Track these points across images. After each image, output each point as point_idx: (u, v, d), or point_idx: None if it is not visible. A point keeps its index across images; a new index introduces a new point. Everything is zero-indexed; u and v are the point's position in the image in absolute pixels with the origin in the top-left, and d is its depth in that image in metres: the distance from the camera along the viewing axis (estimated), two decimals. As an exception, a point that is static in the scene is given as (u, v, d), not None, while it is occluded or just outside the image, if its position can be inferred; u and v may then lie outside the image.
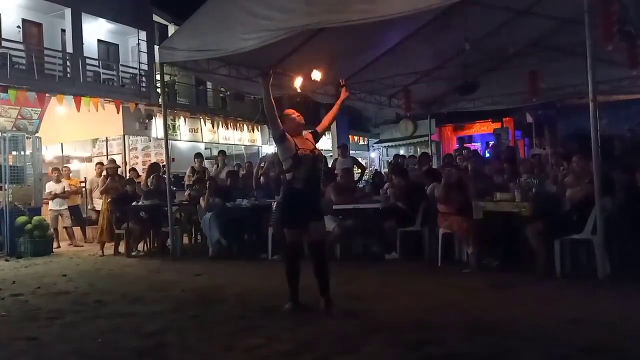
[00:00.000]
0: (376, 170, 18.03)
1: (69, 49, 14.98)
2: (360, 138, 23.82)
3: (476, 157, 10.95)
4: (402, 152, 19.27)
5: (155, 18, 17.94)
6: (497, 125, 18.57)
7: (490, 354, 3.38)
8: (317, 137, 4.85)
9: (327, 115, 5.11)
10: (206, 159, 12.99)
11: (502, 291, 5.21)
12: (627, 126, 12.06)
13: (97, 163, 12.13)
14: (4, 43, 13.35)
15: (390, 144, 21.74)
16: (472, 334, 3.80)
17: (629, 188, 6.00)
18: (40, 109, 12.40)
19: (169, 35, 13.28)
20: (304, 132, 4.78)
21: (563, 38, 9.36)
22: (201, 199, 8.68)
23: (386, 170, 14.66)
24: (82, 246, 10.92)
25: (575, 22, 7.01)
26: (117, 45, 17.79)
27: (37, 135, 11.71)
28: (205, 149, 17.17)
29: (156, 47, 13.65)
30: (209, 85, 18.73)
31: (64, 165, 13.49)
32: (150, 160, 14.58)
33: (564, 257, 5.71)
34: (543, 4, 8.73)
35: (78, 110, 12.90)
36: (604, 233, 5.29)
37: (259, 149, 19.36)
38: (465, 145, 15.04)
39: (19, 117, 12.05)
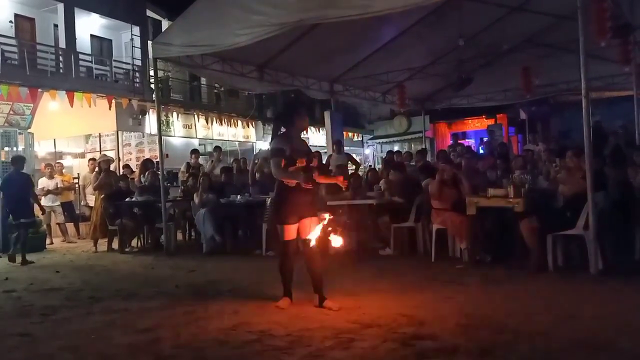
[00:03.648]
0: (370, 166, 18.05)
1: (62, 44, 14.87)
2: (355, 134, 23.84)
3: (470, 154, 10.98)
4: (396, 148, 19.28)
5: (149, 13, 17.85)
6: (491, 121, 18.62)
7: (484, 349, 3.39)
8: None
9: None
10: (200, 155, 12.96)
11: (495, 286, 5.23)
12: (620, 122, 12.14)
13: (90, 159, 12.08)
14: (-4, 38, 13.25)
15: (384, 140, 21.77)
16: (466, 329, 3.82)
17: (621, 184, 6.04)
18: (32, 105, 12.30)
19: (163, 31, 13.24)
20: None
21: (556, 35, 9.41)
22: (195, 195, 8.67)
23: (380, 166, 14.70)
24: (76, 242, 10.87)
25: (568, 18, 7.04)
26: (111, 40, 17.69)
27: (29, 131, 11.64)
28: (199, 145, 17.14)
29: (150, 43, 13.58)
30: (203, 81, 18.68)
31: (57, 161, 13.44)
32: (143, 156, 14.53)
33: (557, 252, 5.74)
34: (537, 0, 8.77)
35: (71, 106, 12.83)
36: (596, 228, 5.32)
37: (253, 145, 19.33)
38: (458, 141, 15.10)
39: (11, 112, 11.95)
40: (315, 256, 4.58)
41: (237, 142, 18.90)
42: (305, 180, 4.35)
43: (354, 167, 11.54)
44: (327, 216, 4.52)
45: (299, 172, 4.39)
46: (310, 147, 5.37)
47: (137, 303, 5.18)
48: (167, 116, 15.63)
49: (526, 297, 4.78)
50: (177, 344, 3.77)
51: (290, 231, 4.57)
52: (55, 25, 15.47)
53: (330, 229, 4.56)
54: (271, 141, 4.76)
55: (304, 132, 4.78)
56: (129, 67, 16.19)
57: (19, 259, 8.23)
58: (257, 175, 9.58)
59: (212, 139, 17.49)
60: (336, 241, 4.67)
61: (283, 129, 4.67)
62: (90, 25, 16.54)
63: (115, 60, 16.46)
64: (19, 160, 8.86)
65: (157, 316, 4.60)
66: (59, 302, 5.36)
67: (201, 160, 12.37)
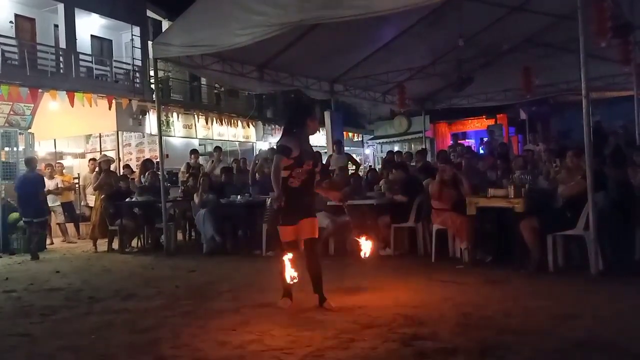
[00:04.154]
0: (370, 166, 18.04)
1: (62, 44, 14.89)
2: (355, 134, 23.84)
3: (470, 154, 10.98)
4: (396, 148, 19.29)
5: (149, 13, 17.86)
6: (491, 121, 18.60)
7: (484, 349, 3.39)
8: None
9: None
10: (200, 155, 12.97)
11: (496, 286, 5.23)
12: (620, 122, 12.14)
13: (91, 159, 12.08)
14: (-4, 38, 13.26)
15: (384, 140, 21.75)
16: (466, 329, 3.82)
17: (621, 184, 6.03)
18: (32, 105, 12.32)
19: (163, 31, 13.24)
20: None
21: (556, 35, 9.40)
22: (195, 195, 8.67)
23: (380, 166, 14.70)
24: (76, 243, 10.87)
25: (568, 18, 7.03)
26: (111, 40, 17.70)
27: (29, 131, 11.65)
28: (199, 145, 17.15)
29: (150, 43, 13.59)
30: (203, 81, 18.68)
31: (57, 161, 13.43)
32: (143, 157, 14.53)
33: (557, 252, 5.74)
34: (537, 0, 8.77)
35: (72, 106, 12.83)
36: (597, 229, 5.31)
37: (253, 145, 19.34)
38: (458, 141, 15.10)
39: (11, 112, 11.97)
40: (314, 256, 4.58)
41: (237, 142, 18.90)
42: (277, 200, 4.39)
43: (354, 167, 11.54)
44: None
45: (280, 187, 4.40)
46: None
47: (136, 303, 5.18)
48: (167, 116, 15.62)
49: (526, 297, 4.77)
50: (177, 344, 3.77)
51: (290, 232, 4.57)
52: (56, 26, 15.47)
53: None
54: (281, 137, 4.75)
55: (313, 134, 4.82)
56: (129, 67, 16.21)
57: (41, 254, 8.82)
58: (257, 175, 9.59)
59: (212, 139, 17.50)
60: (366, 246, 4.80)
61: (295, 129, 4.65)
62: (90, 25, 16.55)
63: (115, 61, 16.48)
64: (31, 162, 9.38)
65: (157, 316, 4.60)
66: (59, 302, 5.36)
67: (201, 160, 12.37)
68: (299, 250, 4.72)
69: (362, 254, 4.91)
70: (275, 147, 4.95)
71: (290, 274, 4.45)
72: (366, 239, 4.90)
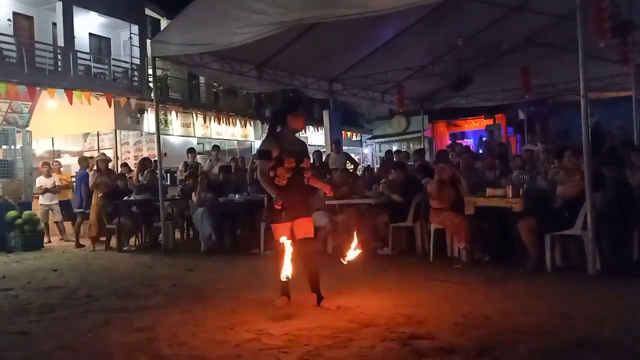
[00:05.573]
0: (368, 165, 18.05)
1: (60, 42, 14.90)
2: (354, 134, 23.86)
3: (468, 153, 10.97)
4: (395, 148, 19.29)
5: (148, 12, 17.87)
6: (490, 121, 18.63)
7: (482, 349, 3.38)
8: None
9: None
10: (198, 154, 12.97)
11: (494, 286, 5.23)
12: (618, 123, 12.15)
13: (89, 157, 12.05)
14: (-6, 36, 13.26)
15: (383, 139, 21.79)
16: (464, 328, 3.81)
17: (620, 184, 6.04)
18: (30, 103, 12.30)
19: (162, 29, 13.23)
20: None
21: (556, 35, 9.41)
22: (193, 193, 8.66)
23: (378, 166, 14.70)
24: (73, 241, 10.83)
25: (568, 18, 7.04)
26: (109, 39, 17.70)
27: (27, 129, 11.62)
28: (198, 144, 17.14)
29: (148, 41, 13.57)
30: (202, 79, 18.68)
31: (55, 159, 13.41)
32: (142, 155, 14.51)
33: (555, 252, 5.74)
34: (536, 0, 8.77)
35: (71, 104, 12.82)
36: (595, 229, 5.32)
37: (251, 144, 19.33)
38: (457, 141, 15.09)
39: (9, 110, 11.95)
40: (311, 255, 4.57)
41: (235, 141, 18.90)
42: (275, 200, 4.36)
43: (352, 166, 11.55)
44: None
45: (274, 188, 4.39)
46: (309, 146, 5.33)
47: (134, 302, 5.16)
48: (165, 115, 15.60)
49: (524, 297, 4.77)
50: (175, 343, 3.76)
51: (283, 230, 4.54)
52: (54, 24, 15.47)
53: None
54: (263, 140, 4.71)
55: (300, 131, 4.72)
56: (128, 65, 16.21)
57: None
58: (256, 174, 9.56)
59: (211, 138, 17.49)
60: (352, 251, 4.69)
61: (279, 128, 4.62)
62: (88, 23, 16.55)
63: (113, 59, 16.48)
64: (82, 161, 10.69)
65: (155, 315, 4.59)
66: (57, 301, 5.35)
67: (199, 159, 12.35)
68: (293, 248, 4.71)
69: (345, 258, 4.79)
70: None
71: (285, 272, 4.42)
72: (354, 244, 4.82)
